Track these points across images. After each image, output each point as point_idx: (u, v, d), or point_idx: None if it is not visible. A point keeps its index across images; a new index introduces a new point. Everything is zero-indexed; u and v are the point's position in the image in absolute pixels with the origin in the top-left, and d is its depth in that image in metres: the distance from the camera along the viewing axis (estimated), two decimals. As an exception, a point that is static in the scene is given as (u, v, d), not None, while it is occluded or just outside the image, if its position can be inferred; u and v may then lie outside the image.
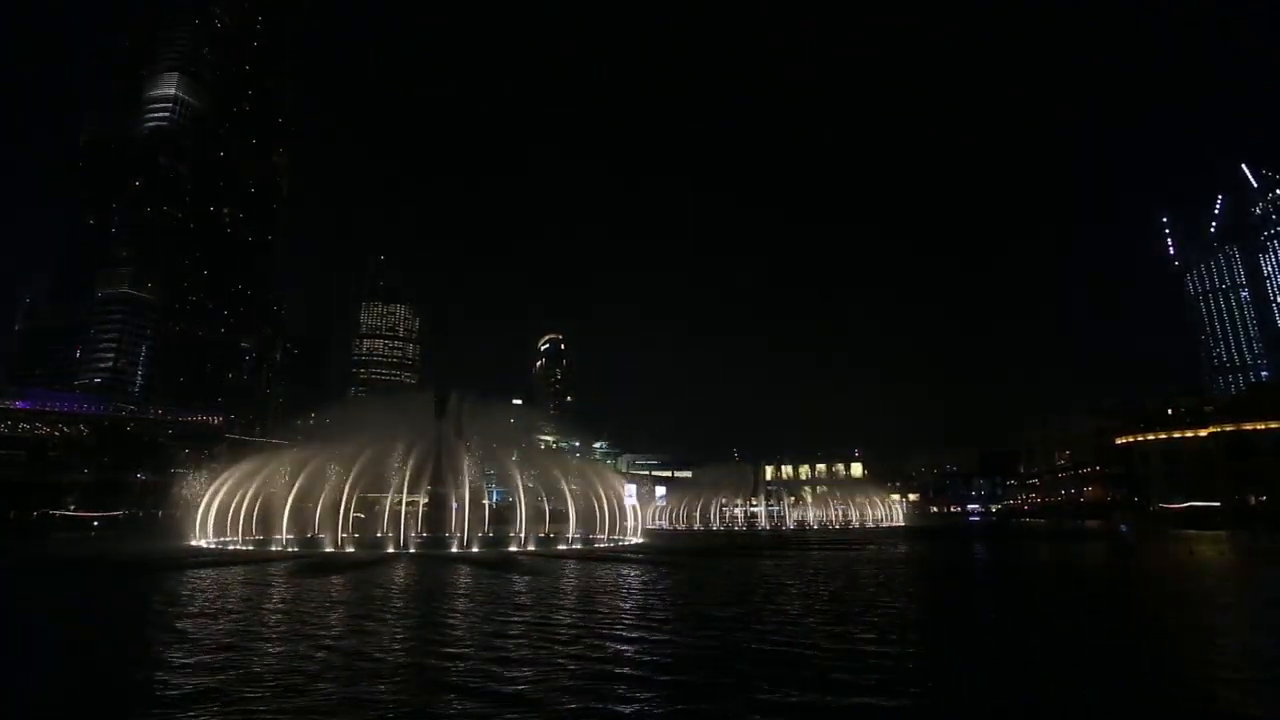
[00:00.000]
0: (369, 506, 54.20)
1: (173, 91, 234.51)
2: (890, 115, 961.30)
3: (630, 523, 68.22)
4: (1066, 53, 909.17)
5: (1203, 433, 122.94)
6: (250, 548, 50.02)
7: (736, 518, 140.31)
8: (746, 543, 70.26)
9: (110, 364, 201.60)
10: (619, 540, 59.40)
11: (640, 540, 61.80)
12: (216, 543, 52.66)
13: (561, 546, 52.46)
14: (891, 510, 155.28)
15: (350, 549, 46.89)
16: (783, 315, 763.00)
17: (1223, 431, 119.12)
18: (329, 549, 47.02)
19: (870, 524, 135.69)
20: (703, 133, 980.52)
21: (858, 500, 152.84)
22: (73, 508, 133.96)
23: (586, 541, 56.39)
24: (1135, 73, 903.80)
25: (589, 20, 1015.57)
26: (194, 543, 53.01)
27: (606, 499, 64.07)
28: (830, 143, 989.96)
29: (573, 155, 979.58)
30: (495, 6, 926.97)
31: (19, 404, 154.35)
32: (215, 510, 57.73)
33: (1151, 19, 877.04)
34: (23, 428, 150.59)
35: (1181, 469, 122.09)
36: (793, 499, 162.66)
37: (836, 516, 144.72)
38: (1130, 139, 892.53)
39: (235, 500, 57.12)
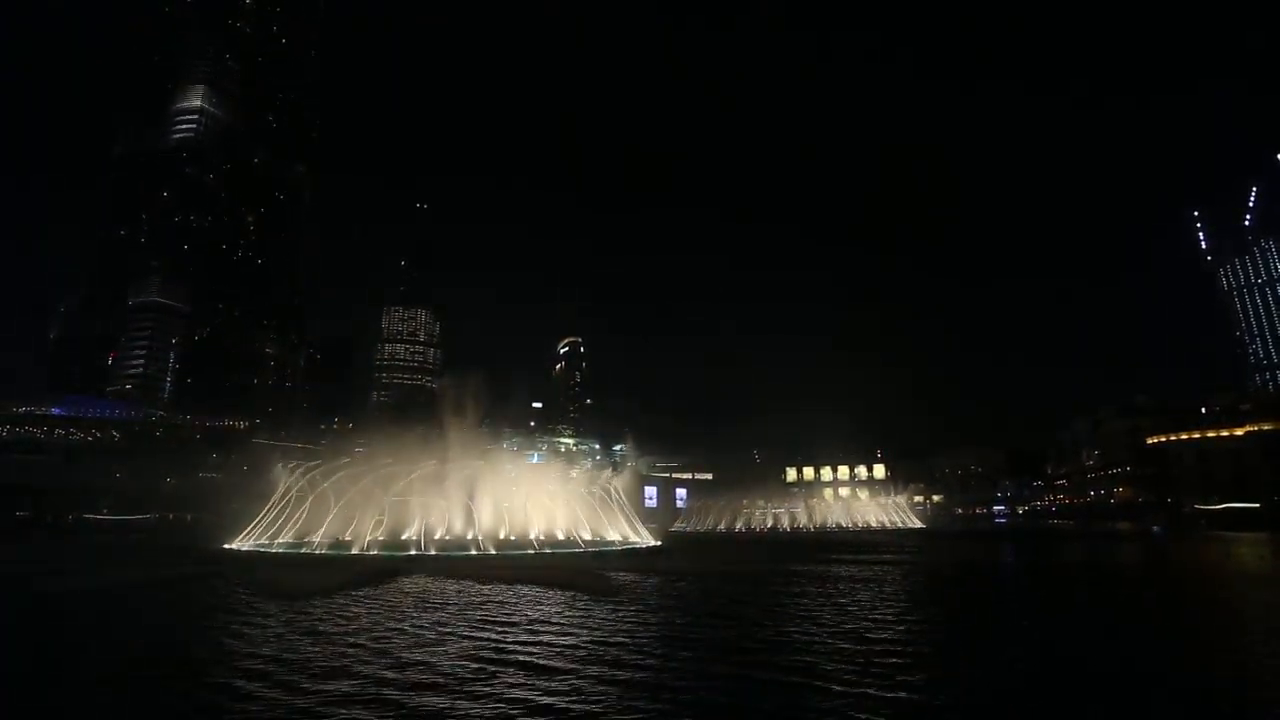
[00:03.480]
0: (393, 508, 54.87)
1: (198, 104, 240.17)
2: (914, 108, 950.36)
3: (649, 526, 68.11)
4: (1091, 40, 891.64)
5: (1239, 432, 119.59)
6: (281, 550, 50.85)
7: (758, 520, 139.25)
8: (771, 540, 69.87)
9: (141, 370, 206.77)
10: (636, 544, 59.21)
11: (656, 543, 61.50)
12: (252, 545, 53.63)
13: (577, 549, 52.45)
14: (912, 513, 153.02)
15: (374, 551, 47.54)
16: (803, 315, 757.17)
17: (1260, 431, 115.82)
18: (355, 550, 47.68)
19: (890, 526, 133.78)
20: (732, 139, 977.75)
21: (880, 502, 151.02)
22: (106, 511, 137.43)
23: (605, 545, 56.33)
24: (1164, 61, 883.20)
25: (614, 21, 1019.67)
26: (227, 545, 54.02)
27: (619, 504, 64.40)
28: (854, 141, 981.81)
29: (591, 157, 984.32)
30: (517, 13, 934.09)
31: (54, 410, 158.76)
32: (248, 514, 59.05)
33: (1179, 5, 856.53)
34: (58, 433, 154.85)
35: (1216, 469, 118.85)
36: (814, 501, 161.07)
37: (858, 519, 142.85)
38: (1160, 129, 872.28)
39: (267, 504, 58.28)
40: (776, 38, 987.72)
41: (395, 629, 19.28)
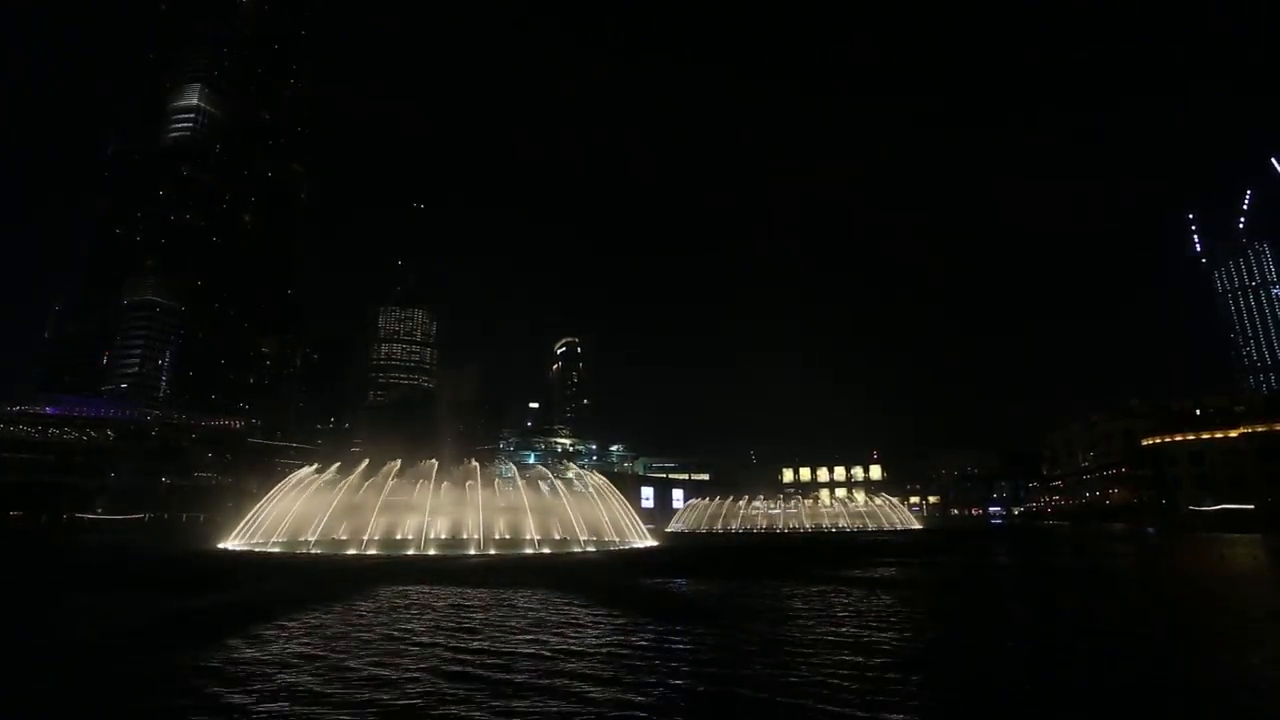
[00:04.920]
0: (392, 510, 54.72)
1: (194, 102, 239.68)
2: (908, 112, 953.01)
3: (642, 526, 68.08)
4: (1090, 41, 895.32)
5: (1233, 433, 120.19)
6: (277, 549, 50.72)
7: (754, 520, 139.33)
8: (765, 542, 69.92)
9: (136, 370, 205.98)
10: (631, 543, 59.21)
11: (654, 543, 61.57)
12: (245, 545, 53.39)
13: (575, 549, 52.48)
14: (910, 515, 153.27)
15: (372, 550, 47.42)
16: (800, 316, 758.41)
17: (1255, 432, 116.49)
18: (351, 552, 47.51)
19: (887, 526, 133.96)
20: (726, 140, 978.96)
21: (877, 503, 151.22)
22: (100, 511, 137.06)
23: (600, 544, 56.26)
24: (1157, 65, 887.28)
25: (616, 24, 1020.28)
26: (223, 545, 53.88)
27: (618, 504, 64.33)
28: (848, 146, 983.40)
29: (588, 155, 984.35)
30: (520, 7, 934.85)
31: (48, 409, 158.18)
32: (244, 514, 58.79)
33: (1176, 9, 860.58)
34: (52, 433, 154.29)
35: (1212, 471, 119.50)
36: (810, 501, 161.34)
37: (852, 520, 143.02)
38: (1155, 132, 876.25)
39: (263, 505, 58.02)
40: (780, 58, 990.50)
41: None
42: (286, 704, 11.65)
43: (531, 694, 12.31)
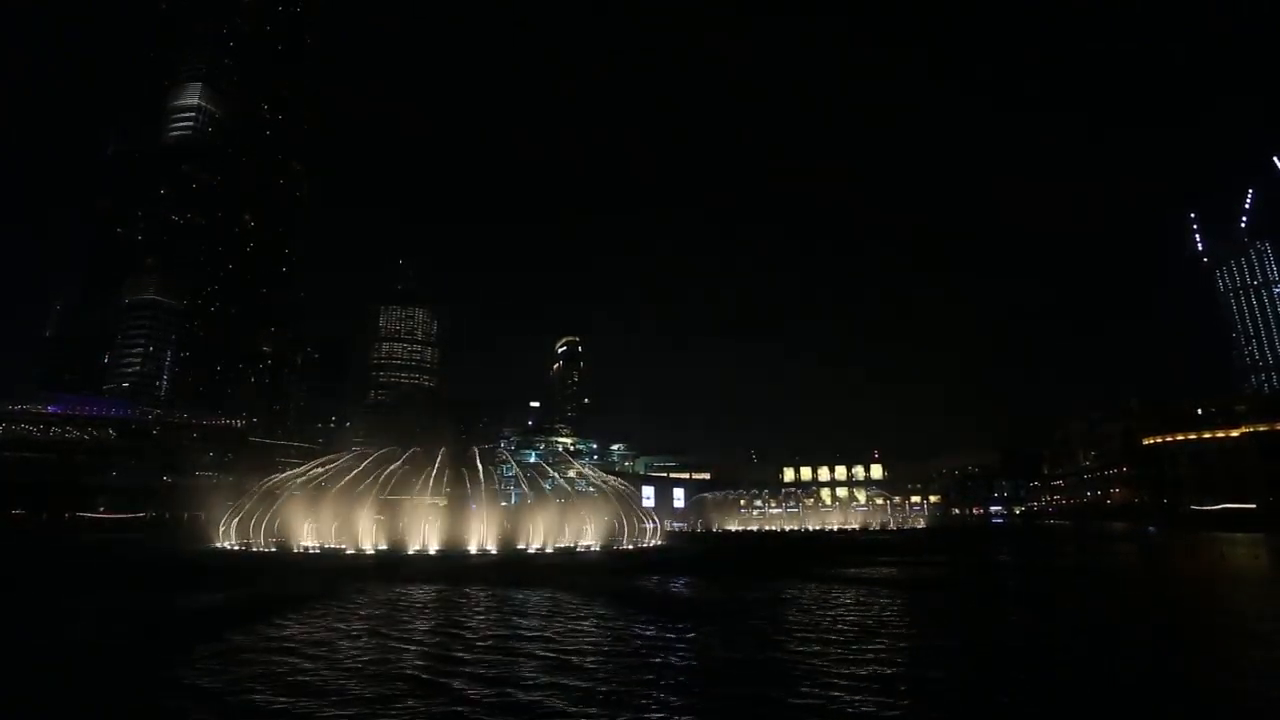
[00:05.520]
0: (391, 509, 54.51)
1: (195, 101, 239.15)
2: (908, 112, 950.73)
3: (649, 526, 68.00)
4: (1083, 45, 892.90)
5: (1234, 433, 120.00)
6: (272, 549, 50.65)
7: (755, 519, 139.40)
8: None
9: (137, 369, 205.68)
10: (639, 543, 59.18)
11: (655, 542, 61.53)
12: (245, 544, 53.31)
13: (578, 548, 52.37)
14: (907, 514, 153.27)
15: (370, 550, 47.27)
16: (802, 315, 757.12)
17: (1256, 432, 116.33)
18: (350, 551, 47.38)
19: (892, 526, 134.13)
20: (726, 140, 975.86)
21: (877, 503, 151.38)
22: (101, 509, 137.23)
23: (603, 544, 56.20)
24: (1157, 65, 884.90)
25: (615, 25, 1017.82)
26: (219, 545, 53.83)
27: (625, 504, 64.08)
28: (848, 146, 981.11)
29: (587, 155, 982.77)
30: (520, 7, 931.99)
31: (50, 408, 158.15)
32: (240, 514, 58.51)
33: (1176, 9, 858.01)
34: (54, 431, 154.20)
35: (1213, 470, 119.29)
36: (810, 501, 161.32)
37: (852, 519, 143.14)
38: (1155, 131, 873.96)
39: (259, 505, 57.78)
40: (780, 58, 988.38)
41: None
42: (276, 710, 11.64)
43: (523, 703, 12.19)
